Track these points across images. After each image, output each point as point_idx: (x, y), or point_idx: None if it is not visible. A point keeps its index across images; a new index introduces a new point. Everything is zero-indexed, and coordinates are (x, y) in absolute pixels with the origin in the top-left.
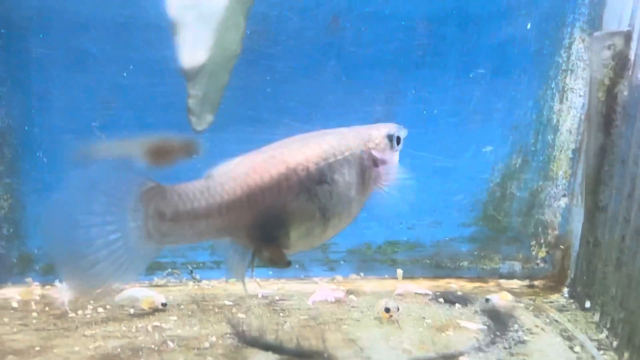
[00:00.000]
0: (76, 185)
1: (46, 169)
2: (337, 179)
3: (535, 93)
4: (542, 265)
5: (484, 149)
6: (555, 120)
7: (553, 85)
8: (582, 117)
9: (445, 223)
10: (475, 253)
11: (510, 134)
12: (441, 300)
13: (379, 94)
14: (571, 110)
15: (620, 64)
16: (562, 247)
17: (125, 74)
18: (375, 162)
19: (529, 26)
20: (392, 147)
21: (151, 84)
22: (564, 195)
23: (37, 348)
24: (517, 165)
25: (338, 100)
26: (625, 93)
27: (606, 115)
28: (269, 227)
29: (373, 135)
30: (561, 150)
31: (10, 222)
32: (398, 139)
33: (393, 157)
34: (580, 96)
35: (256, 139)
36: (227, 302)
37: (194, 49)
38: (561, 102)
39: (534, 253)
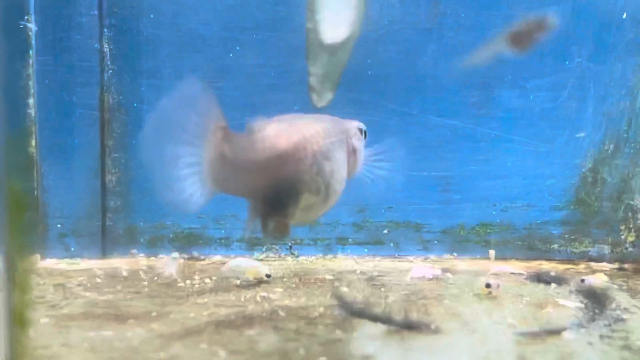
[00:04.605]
0: (168, 108)
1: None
2: (337, 158)
3: (629, 81)
4: (631, 249)
5: (577, 135)
6: None
7: None
8: None
9: (538, 206)
10: (566, 236)
11: (603, 121)
12: (536, 280)
13: (476, 79)
14: None
15: None
16: None
17: (231, 55)
18: (354, 150)
19: (624, 15)
20: (362, 138)
21: (257, 65)
22: None
23: (154, 313)
24: (609, 152)
25: (436, 84)
26: None
27: None
28: (282, 195)
29: (350, 126)
30: None
31: (117, 195)
32: (365, 133)
33: (362, 150)
34: None
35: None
36: (328, 277)
37: (336, 25)
38: None
39: (623, 237)
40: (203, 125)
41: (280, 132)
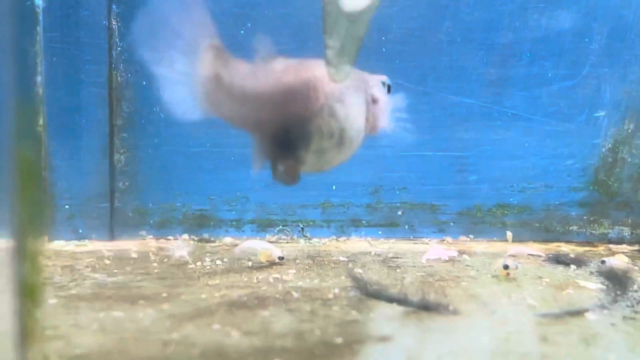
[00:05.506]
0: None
1: (162, 124)
2: (353, 102)
3: None
4: None
5: (596, 114)
6: None
7: None
8: None
9: (556, 187)
10: (585, 217)
11: (623, 99)
12: (555, 261)
13: (493, 57)
14: None
15: None
16: None
17: (242, 32)
18: (375, 99)
19: None
20: (385, 92)
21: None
22: None
23: (164, 294)
24: (629, 131)
25: (452, 62)
26: None
27: None
28: (291, 136)
29: (371, 77)
30: None
31: (126, 176)
32: (389, 87)
33: (386, 103)
34: None
35: None
36: (341, 258)
37: None
38: None
39: None
40: (195, 37)
41: (289, 67)
